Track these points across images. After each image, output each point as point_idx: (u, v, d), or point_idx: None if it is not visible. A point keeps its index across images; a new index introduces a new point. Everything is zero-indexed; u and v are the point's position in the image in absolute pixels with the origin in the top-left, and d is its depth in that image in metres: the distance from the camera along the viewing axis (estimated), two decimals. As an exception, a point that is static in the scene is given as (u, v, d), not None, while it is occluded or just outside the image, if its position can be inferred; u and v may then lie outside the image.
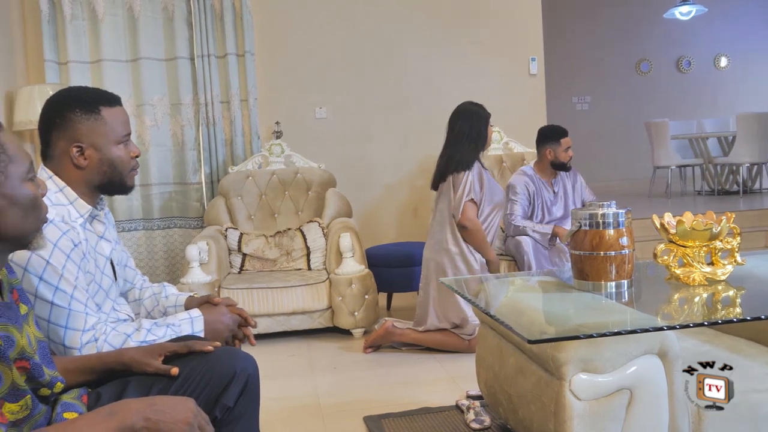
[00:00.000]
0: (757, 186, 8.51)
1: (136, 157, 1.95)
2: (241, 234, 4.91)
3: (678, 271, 2.32)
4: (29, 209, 1.35)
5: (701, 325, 2.11)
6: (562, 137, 4.56)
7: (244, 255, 4.84)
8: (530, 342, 1.86)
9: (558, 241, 4.45)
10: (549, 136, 4.60)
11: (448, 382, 3.53)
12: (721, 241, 2.31)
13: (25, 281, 1.68)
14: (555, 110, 7.49)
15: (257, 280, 4.49)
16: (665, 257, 2.35)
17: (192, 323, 1.92)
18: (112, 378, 1.66)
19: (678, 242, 2.32)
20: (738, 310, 2.23)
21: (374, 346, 4.12)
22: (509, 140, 5.69)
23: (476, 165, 3.98)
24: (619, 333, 1.92)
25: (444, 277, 3.71)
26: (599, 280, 2.25)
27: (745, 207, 7.00)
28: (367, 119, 5.95)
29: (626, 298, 2.26)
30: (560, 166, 4.60)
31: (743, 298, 2.29)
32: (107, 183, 1.90)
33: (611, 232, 2.23)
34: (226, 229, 4.90)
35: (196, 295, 2.15)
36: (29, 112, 4.70)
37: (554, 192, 4.64)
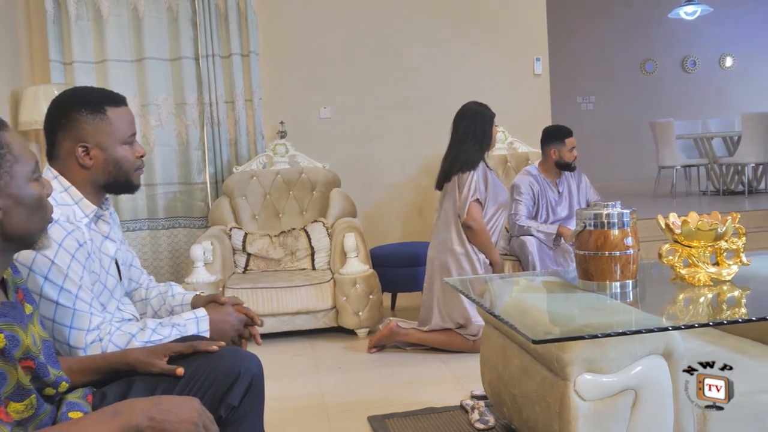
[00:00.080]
0: (762, 186, 8.49)
1: (142, 156, 1.96)
2: (246, 234, 4.91)
3: (683, 272, 2.32)
4: (34, 209, 1.35)
5: (706, 325, 2.11)
6: (567, 137, 4.56)
7: (249, 255, 4.84)
8: (535, 342, 1.86)
9: (563, 241, 4.44)
10: (553, 136, 4.59)
11: (452, 382, 3.53)
12: (726, 241, 2.30)
13: (30, 281, 1.68)
14: (560, 110, 7.49)
15: (261, 280, 4.49)
16: (670, 257, 2.34)
17: (197, 323, 1.91)
18: (116, 378, 1.66)
19: (683, 242, 2.32)
20: (743, 310, 2.22)
21: (378, 346, 4.12)
22: (514, 140, 5.69)
23: (481, 165, 3.98)
24: (623, 333, 1.92)
25: (448, 277, 3.71)
26: (604, 280, 2.25)
27: (751, 207, 6.99)
28: (372, 119, 5.95)
29: (631, 299, 2.26)
30: (565, 166, 4.59)
31: (748, 299, 2.28)
32: (113, 183, 1.90)
33: (616, 232, 2.23)
34: (231, 229, 4.90)
35: (202, 294, 2.15)
36: (34, 112, 4.71)
37: (559, 192, 4.63)
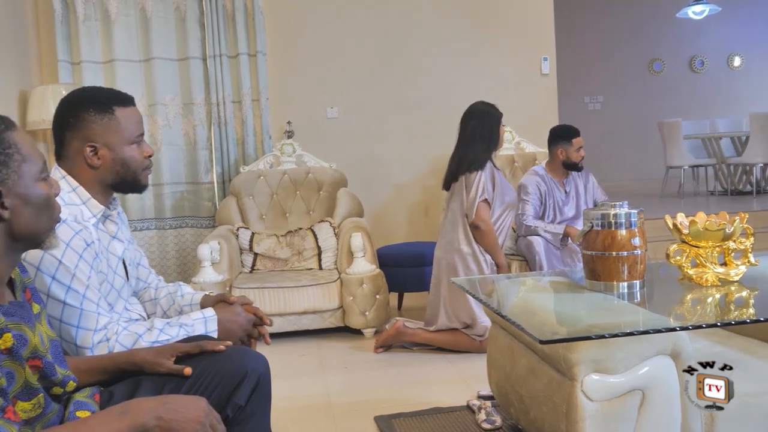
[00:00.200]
0: (770, 186, 8.47)
1: (150, 156, 1.96)
2: (253, 233, 4.92)
3: (691, 272, 2.31)
4: (42, 209, 1.36)
5: (714, 326, 2.10)
6: (574, 137, 4.55)
7: (256, 254, 4.85)
8: (542, 342, 1.85)
9: (570, 241, 4.44)
10: (561, 135, 4.59)
11: (459, 382, 3.53)
12: (734, 241, 2.30)
13: (37, 280, 1.69)
14: (567, 110, 7.46)
15: (268, 280, 4.50)
16: (678, 258, 2.34)
17: (205, 323, 1.91)
18: (124, 378, 1.67)
19: (691, 243, 2.31)
20: (751, 310, 2.21)
21: (385, 346, 4.12)
22: (521, 140, 5.68)
23: (488, 165, 3.97)
24: (631, 333, 1.91)
25: (455, 277, 3.71)
26: (611, 280, 2.24)
27: (759, 207, 6.96)
28: (379, 119, 5.95)
29: (638, 299, 2.25)
30: (572, 166, 4.58)
31: (756, 299, 2.28)
32: (120, 182, 1.91)
33: (623, 232, 2.23)
34: (238, 229, 4.91)
35: (211, 294, 2.15)
36: (43, 111, 4.73)
37: (566, 192, 4.63)
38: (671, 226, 2.36)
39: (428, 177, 5.95)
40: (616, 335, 1.89)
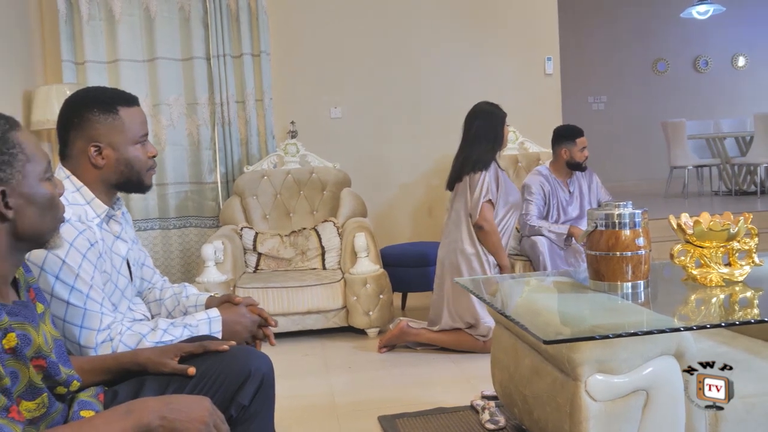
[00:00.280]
0: (774, 186, 8.45)
1: (154, 156, 1.96)
2: (257, 233, 4.92)
3: (695, 272, 2.31)
4: (46, 208, 1.36)
5: (718, 326, 2.10)
6: (578, 137, 4.54)
7: (259, 254, 4.85)
8: (546, 342, 1.85)
9: (573, 241, 4.43)
10: (564, 135, 4.58)
11: (462, 382, 3.53)
12: (738, 241, 2.29)
13: (41, 280, 1.69)
14: (571, 110, 7.47)
15: (272, 280, 4.50)
16: (682, 258, 2.33)
17: (210, 323, 1.91)
18: (127, 378, 1.67)
19: (695, 243, 2.31)
20: (756, 311, 2.21)
21: (389, 346, 4.12)
22: (525, 140, 5.67)
23: (493, 165, 3.97)
24: (635, 334, 1.91)
25: (459, 278, 3.71)
26: (615, 280, 2.24)
27: (763, 207, 6.95)
28: (382, 119, 5.95)
29: (642, 299, 2.25)
30: (576, 166, 4.58)
31: (761, 299, 2.27)
32: (125, 182, 1.91)
33: (627, 232, 2.22)
34: (242, 229, 4.92)
35: (216, 295, 2.15)
36: (47, 111, 4.73)
37: (570, 192, 4.62)
38: (675, 226, 2.36)
39: (432, 177, 5.95)
40: (620, 335, 1.89)
